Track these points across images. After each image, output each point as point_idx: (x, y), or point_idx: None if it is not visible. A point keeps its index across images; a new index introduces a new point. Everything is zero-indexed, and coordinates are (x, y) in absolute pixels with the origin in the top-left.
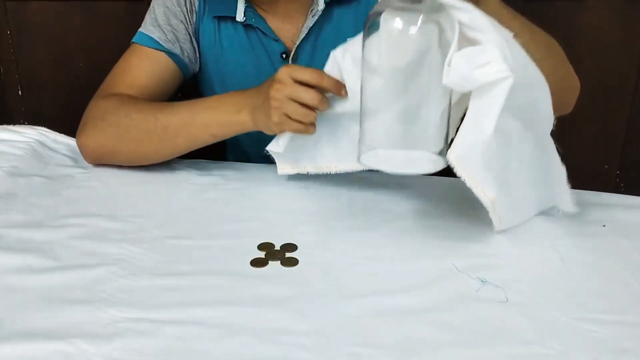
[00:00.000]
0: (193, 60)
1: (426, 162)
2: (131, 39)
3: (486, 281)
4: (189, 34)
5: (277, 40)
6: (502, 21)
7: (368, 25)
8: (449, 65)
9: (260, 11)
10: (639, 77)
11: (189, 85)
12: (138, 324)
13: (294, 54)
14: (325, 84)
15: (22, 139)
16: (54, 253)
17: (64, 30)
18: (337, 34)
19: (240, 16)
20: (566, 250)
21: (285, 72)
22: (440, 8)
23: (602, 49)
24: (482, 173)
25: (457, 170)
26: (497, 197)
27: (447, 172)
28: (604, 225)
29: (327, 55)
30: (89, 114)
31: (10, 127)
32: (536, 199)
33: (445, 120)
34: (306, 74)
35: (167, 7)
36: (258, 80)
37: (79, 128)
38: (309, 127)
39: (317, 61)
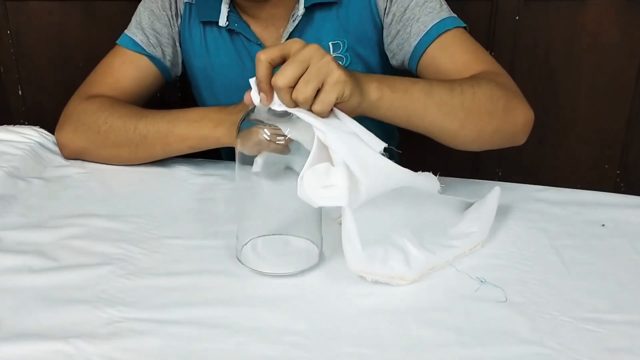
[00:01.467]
0: (175, 64)
1: (302, 257)
2: None
3: (485, 281)
4: (173, 38)
5: (259, 44)
6: (396, 107)
7: (239, 128)
8: (301, 179)
9: (244, 16)
10: (639, 77)
11: (188, 88)
12: (137, 324)
13: None
14: None
15: (23, 139)
16: (53, 253)
17: (64, 30)
18: (318, 37)
19: (223, 21)
20: (566, 250)
21: None
22: (305, 123)
23: (602, 49)
24: (385, 269)
25: (368, 278)
26: (415, 274)
27: (447, 172)
28: (604, 225)
29: None
30: (69, 114)
31: (11, 127)
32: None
33: (319, 217)
34: None
35: (152, 11)
36: (243, 84)
37: (59, 123)
38: (284, 149)
39: None
